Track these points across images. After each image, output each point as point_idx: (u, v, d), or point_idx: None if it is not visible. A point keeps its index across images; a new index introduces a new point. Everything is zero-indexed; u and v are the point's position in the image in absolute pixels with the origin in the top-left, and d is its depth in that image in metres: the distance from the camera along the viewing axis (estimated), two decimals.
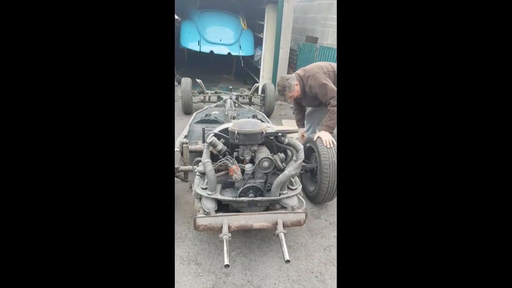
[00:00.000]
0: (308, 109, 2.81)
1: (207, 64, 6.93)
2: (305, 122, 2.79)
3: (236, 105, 3.94)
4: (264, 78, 5.32)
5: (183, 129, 3.09)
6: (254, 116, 3.45)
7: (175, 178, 2.09)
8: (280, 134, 1.61)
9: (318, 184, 2.04)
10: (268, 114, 4.39)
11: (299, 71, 2.41)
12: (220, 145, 1.61)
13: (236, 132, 1.51)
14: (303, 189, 2.24)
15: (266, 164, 1.54)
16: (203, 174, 1.66)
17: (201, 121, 3.29)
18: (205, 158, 1.60)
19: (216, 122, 3.30)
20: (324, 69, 2.30)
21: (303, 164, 1.93)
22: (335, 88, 2.16)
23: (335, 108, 2.09)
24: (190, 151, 2.26)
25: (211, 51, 5.08)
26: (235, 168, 1.56)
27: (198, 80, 4.21)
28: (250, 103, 4.55)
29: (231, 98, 3.74)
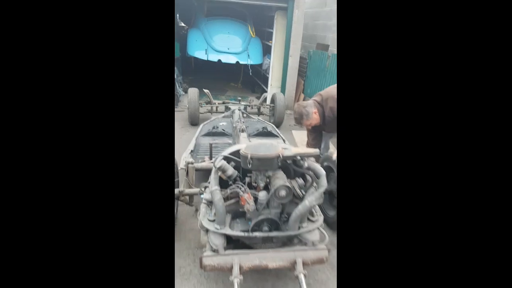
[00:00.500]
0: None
1: (214, 72, 6.81)
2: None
3: (245, 115, 3.76)
4: (273, 87, 5.14)
5: (189, 142, 2.92)
6: (264, 128, 3.25)
7: (179, 202, 1.89)
8: (299, 158, 1.40)
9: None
10: (278, 124, 4.20)
11: (316, 97, 2.25)
12: (231, 170, 1.41)
13: (249, 157, 1.31)
14: (323, 214, 2.01)
15: (283, 193, 1.33)
16: (210, 203, 1.45)
17: (208, 134, 3.10)
18: (213, 185, 1.39)
19: (224, 134, 3.11)
20: None
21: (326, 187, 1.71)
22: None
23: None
24: (196, 170, 2.06)
25: (219, 60, 4.94)
26: (247, 197, 1.35)
27: (206, 90, 4.05)
28: (259, 113, 4.36)
29: (239, 109, 3.55)
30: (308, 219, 1.47)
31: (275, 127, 3.52)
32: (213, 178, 1.43)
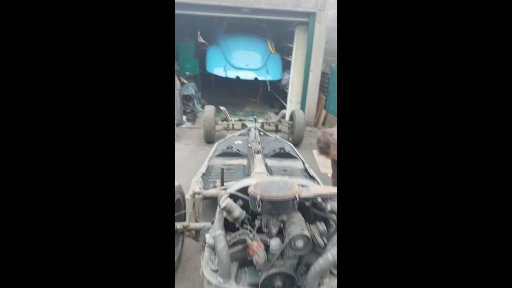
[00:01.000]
0: None
1: (233, 87, 6.76)
2: None
3: (261, 133, 3.57)
4: (292, 102, 4.95)
5: (203, 162, 2.76)
6: (281, 148, 3.03)
7: (185, 237, 1.70)
8: (320, 199, 1.16)
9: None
10: (297, 143, 3.96)
11: None
12: (238, 211, 1.20)
13: (258, 198, 1.09)
14: None
15: (300, 244, 1.09)
16: (214, 249, 1.24)
17: (222, 154, 2.93)
18: (217, 229, 1.19)
19: (238, 155, 2.93)
20: None
21: None
22: None
23: None
24: (205, 198, 1.87)
25: (237, 77, 4.86)
26: (256, 246, 1.13)
27: (222, 108, 3.93)
28: (277, 130, 4.15)
29: (255, 129, 3.37)
30: (331, 272, 1.20)
31: (293, 147, 3.28)
32: (217, 220, 1.23)
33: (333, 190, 1.20)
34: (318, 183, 2.25)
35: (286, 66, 5.29)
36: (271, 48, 5.19)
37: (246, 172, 2.50)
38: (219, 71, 4.89)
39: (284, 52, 5.52)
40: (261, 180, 1.23)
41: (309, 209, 1.22)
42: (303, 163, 2.80)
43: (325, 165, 3.40)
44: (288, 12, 4.21)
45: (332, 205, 1.20)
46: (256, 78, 4.92)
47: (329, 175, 3.19)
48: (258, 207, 1.11)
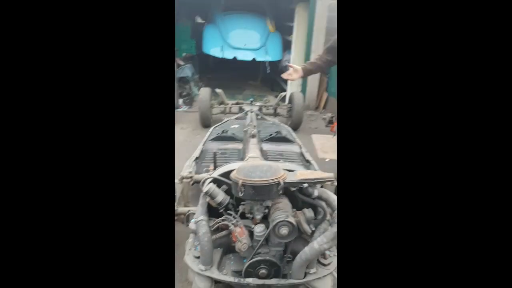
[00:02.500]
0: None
1: (233, 70, 6.57)
2: None
3: (259, 117, 3.46)
4: (293, 85, 4.78)
5: (197, 146, 2.70)
6: (277, 132, 2.94)
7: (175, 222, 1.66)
8: (306, 184, 1.08)
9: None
10: (296, 127, 3.85)
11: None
12: (221, 196, 1.13)
13: (240, 183, 1.02)
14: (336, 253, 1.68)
15: (284, 231, 1.03)
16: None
17: (217, 138, 2.86)
18: (199, 215, 1.13)
19: (233, 139, 2.85)
20: None
21: None
22: None
23: None
24: (196, 182, 1.82)
25: (235, 57, 4.68)
26: (239, 233, 1.07)
27: (218, 90, 3.81)
28: (276, 114, 4.04)
29: (252, 111, 3.27)
30: (319, 262, 1.15)
31: (291, 131, 3.19)
32: (199, 205, 1.17)
33: (321, 175, 1.12)
34: (314, 168, 2.17)
35: (286, 46, 5.07)
36: (270, 27, 4.96)
37: (241, 156, 2.44)
38: (215, 51, 4.72)
39: (284, 31, 5.27)
40: (244, 164, 1.15)
41: (295, 194, 1.15)
42: (300, 147, 2.72)
43: (324, 150, 3.32)
44: None
45: (319, 191, 1.13)
46: (254, 59, 4.74)
47: (327, 160, 3.12)
48: (240, 192, 1.04)
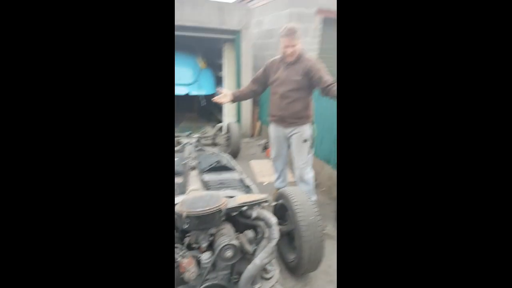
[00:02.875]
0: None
1: None
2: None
3: (198, 148, 3.54)
4: (228, 116, 5.06)
5: None
6: (217, 162, 3.06)
7: None
8: (245, 208, 1.24)
9: (298, 251, 1.67)
10: (235, 154, 4.05)
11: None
12: None
13: (184, 216, 1.10)
14: (281, 258, 1.84)
15: (229, 254, 1.14)
16: None
17: None
18: None
19: None
20: None
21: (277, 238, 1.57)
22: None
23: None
24: None
25: None
26: (186, 263, 1.13)
27: None
28: (214, 144, 4.18)
29: (191, 143, 3.33)
30: (262, 277, 1.28)
31: (230, 159, 3.35)
32: None
33: (257, 197, 1.30)
34: (253, 193, 2.35)
35: (218, 81, 5.41)
36: (201, 64, 5.25)
37: (182, 190, 2.45)
38: None
39: (215, 68, 5.65)
40: (186, 197, 1.24)
41: (236, 218, 1.28)
42: (240, 174, 2.89)
43: (262, 174, 3.57)
44: (214, 30, 4.36)
45: (257, 212, 1.29)
46: (187, 93, 4.89)
47: (265, 183, 3.37)
48: (185, 224, 1.12)
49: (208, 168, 2.92)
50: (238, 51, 4.62)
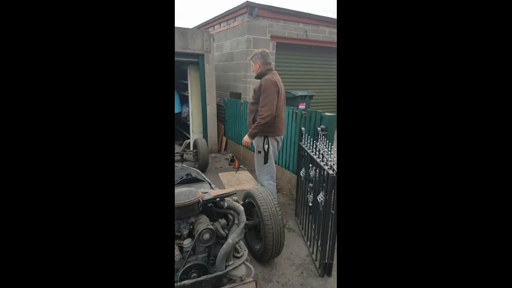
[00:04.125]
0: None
1: None
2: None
3: None
4: (195, 133, 5.30)
5: None
6: (188, 175, 3.28)
7: None
8: (218, 199, 1.54)
9: (263, 240, 1.98)
10: (203, 169, 4.29)
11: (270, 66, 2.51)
12: None
13: None
14: (250, 249, 2.14)
15: (207, 236, 1.42)
16: None
17: None
18: None
19: None
20: (277, 88, 2.39)
21: (245, 222, 1.88)
22: (272, 108, 2.32)
23: (261, 122, 2.33)
24: None
25: None
26: None
27: None
28: (182, 160, 4.38)
29: None
30: (234, 256, 1.57)
31: (200, 172, 3.59)
32: None
33: (227, 191, 1.61)
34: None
35: (184, 100, 5.66)
36: None
37: None
38: None
39: (180, 88, 5.91)
40: None
41: (211, 209, 1.58)
42: (210, 184, 3.15)
43: (230, 184, 3.86)
44: (178, 53, 4.68)
45: (228, 203, 1.60)
46: None
47: None
48: None
49: (179, 181, 3.14)
50: (202, 72, 4.98)
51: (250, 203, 2.17)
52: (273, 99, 2.31)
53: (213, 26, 6.36)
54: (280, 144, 2.68)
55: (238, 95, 5.59)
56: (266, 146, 2.45)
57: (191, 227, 1.48)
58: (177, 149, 4.80)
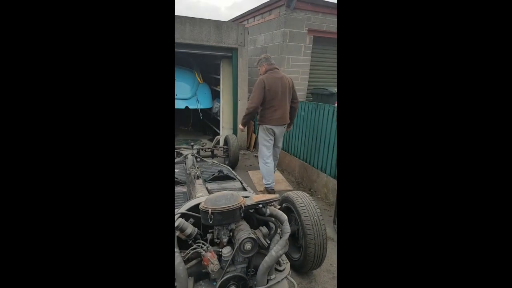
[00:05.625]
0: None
1: None
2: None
3: (198, 159, 3.66)
4: (225, 129, 5.23)
5: None
6: (220, 171, 3.19)
7: None
8: (260, 205, 1.39)
9: (303, 250, 1.81)
10: (233, 165, 4.19)
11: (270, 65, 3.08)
12: (190, 228, 1.31)
13: (209, 212, 1.24)
14: (287, 257, 1.97)
15: (249, 246, 1.27)
16: None
17: None
18: None
19: (177, 183, 2.94)
20: (263, 84, 2.95)
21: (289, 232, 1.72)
22: (255, 101, 2.94)
23: (246, 112, 3.07)
24: None
25: None
26: (210, 256, 1.26)
27: None
28: (213, 155, 4.32)
29: (192, 155, 3.46)
30: (276, 269, 1.41)
31: (230, 169, 3.49)
32: None
33: (270, 197, 1.45)
34: None
35: (215, 95, 5.61)
36: (199, 79, 5.46)
37: (187, 198, 2.56)
38: None
39: (212, 82, 5.86)
40: (209, 196, 1.39)
41: (252, 215, 1.43)
42: (241, 183, 3.03)
43: (261, 184, 3.71)
44: (212, 47, 4.61)
45: (270, 210, 1.45)
46: (186, 107, 5.05)
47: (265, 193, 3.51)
48: (210, 220, 1.26)
49: (211, 177, 3.06)
50: (234, 67, 4.87)
51: (288, 208, 2.00)
52: (257, 95, 2.90)
53: (248, 20, 6.22)
54: (278, 131, 3.13)
55: None
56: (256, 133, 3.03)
57: (231, 234, 1.35)
58: (209, 144, 4.76)
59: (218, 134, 5.14)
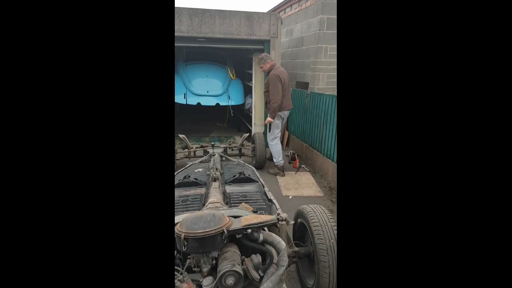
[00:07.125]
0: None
1: (199, 114, 6.74)
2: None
3: (223, 159, 3.52)
4: (257, 125, 5.01)
5: None
6: (241, 173, 2.98)
7: None
8: (249, 230, 1.12)
9: (316, 279, 1.49)
10: (260, 166, 3.95)
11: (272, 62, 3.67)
12: None
13: (182, 237, 1.03)
14: (301, 283, 1.67)
15: (231, 281, 1.03)
16: None
17: (179, 185, 2.81)
18: None
19: (196, 184, 2.83)
20: (279, 78, 3.48)
21: (297, 248, 1.43)
22: (278, 96, 3.48)
23: (273, 106, 3.52)
24: None
25: (198, 103, 4.87)
26: None
27: (181, 136, 3.85)
28: (241, 155, 4.14)
29: (214, 154, 3.32)
30: None
31: (255, 171, 3.25)
32: None
33: (265, 218, 1.17)
34: (275, 208, 2.22)
35: (248, 91, 5.42)
36: (231, 75, 5.32)
37: (203, 201, 2.41)
38: (179, 99, 4.88)
39: (245, 77, 5.68)
40: (187, 216, 1.17)
41: (241, 241, 1.17)
42: (263, 186, 2.77)
43: (287, 188, 3.40)
44: (243, 40, 4.39)
45: (265, 235, 1.17)
46: (217, 104, 4.96)
47: (290, 197, 3.19)
48: (184, 247, 1.04)
49: (231, 180, 2.87)
50: None
51: (302, 225, 1.69)
52: (278, 89, 3.45)
53: (284, 9, 5.84)
54: (286, 115, 3.84)
55: (305, 85, 4.99)
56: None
57: (213, 262, 1.12)
58: (238, 141, 4.60)
59: (251, 131, 4.95)
